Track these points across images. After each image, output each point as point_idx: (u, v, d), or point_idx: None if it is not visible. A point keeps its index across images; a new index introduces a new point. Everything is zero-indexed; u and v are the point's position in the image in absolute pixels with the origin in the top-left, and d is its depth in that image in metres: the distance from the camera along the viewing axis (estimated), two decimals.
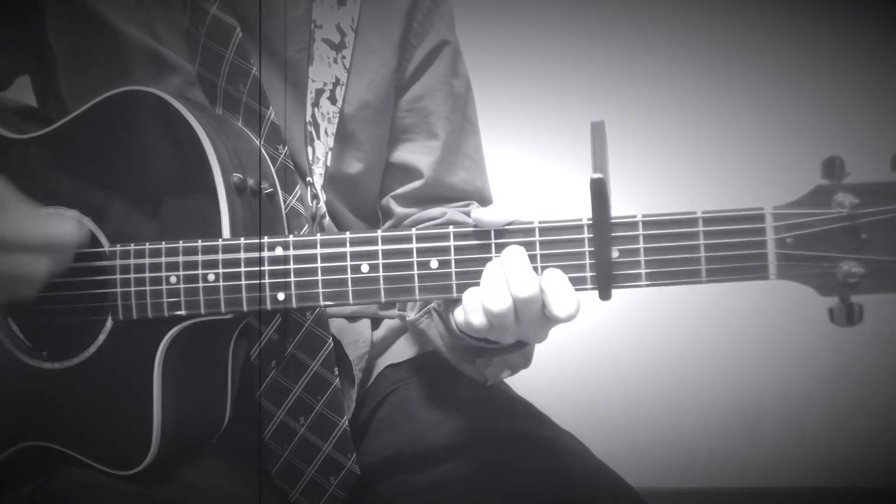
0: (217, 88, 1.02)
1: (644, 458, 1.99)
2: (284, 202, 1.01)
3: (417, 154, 1.15)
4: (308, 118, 1.06)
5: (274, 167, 1.01)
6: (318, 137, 1.07)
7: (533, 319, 0.79)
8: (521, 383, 1.08)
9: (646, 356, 2.00)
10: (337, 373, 1.02)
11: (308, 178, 1.06)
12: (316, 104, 1.07)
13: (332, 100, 1.08)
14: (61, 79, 1.07)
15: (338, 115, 1.08)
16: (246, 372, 1.02)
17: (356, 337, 1.11)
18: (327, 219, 1.09)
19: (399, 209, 1.16)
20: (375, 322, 1.16)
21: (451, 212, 1.12)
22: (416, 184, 1.15)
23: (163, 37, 1.03)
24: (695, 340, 2.00)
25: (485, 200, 1.20)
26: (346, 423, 1.02)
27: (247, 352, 1.02)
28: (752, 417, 2.02)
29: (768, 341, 1.99)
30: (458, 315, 0.83)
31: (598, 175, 0.73)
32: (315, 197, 1.06)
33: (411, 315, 1.03)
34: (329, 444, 1.01)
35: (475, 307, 0.79)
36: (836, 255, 0.72)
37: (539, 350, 0.92)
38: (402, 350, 1.16)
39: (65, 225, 0.89)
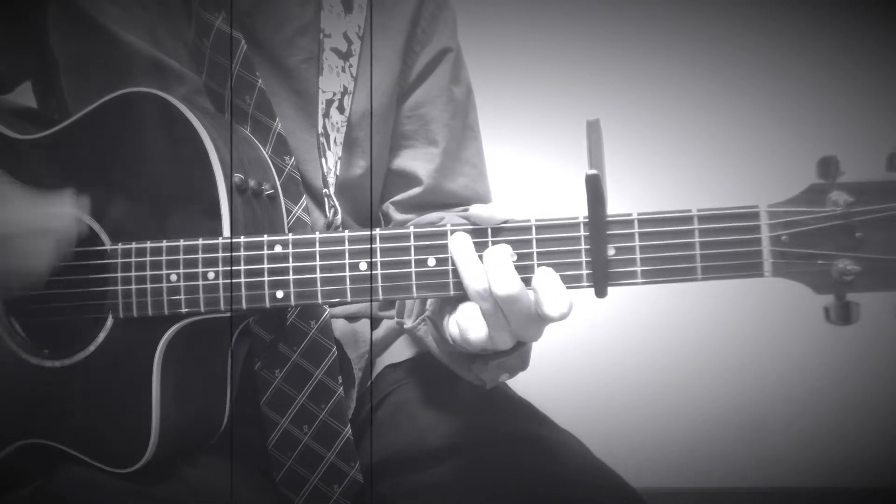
0: (224, 100, 1.03)
1: (644, 458, 1.99)
2: (289, 212, 1.01)
3: (417, 161, 1.15)
4: (320, 129, 1.07)
5: (280, 178, 1.01)
6: (329, 148, 1.07)
7: (521, 319, 0.78)
8: (520, 383, 1.08)
9: (646, 356, 2.00)
10: (341, 381, 1.03)
11: (325, 190, 1.07)
12: (326, 115, 1.07)
13: (341, 109, 1.08)
14: (64, 83, 1.07)
15: (345, 123, 1.08)
16: (247, 374, 1.02)
17: (356, 337, 1.11)
18: (341, 228, 1.09)
19: (398, 215, 1.16)
20: (375, 322, 1.16)
21: (449, 216, 1.12)
22: (416, 191, 1.15)
23: (167, 47, 1.03)
24: (695, 340, 2.00)
25: None
26: (350, 432, 1.02)
27: (247, 354, 1.03)
28: (752, 417, 2.02)
29: (768, 341, 1.99)
30: (452, 327, 0.82)
31: (594, 171, 0.73)
32: (333, 207, 1.06)
33: (409, 322, 1.04)
34: (333, 452, 1.01)
35: (474, 318, 0.79)
36: (832, 252, 0.73)
37: (539, 350, 0.92)
38: (401, 350, 1.16)
39: (63, 212, 0.90)
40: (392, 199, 1.17)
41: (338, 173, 1.08)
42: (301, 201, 1.02)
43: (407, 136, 1.16)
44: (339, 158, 1.08)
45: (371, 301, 0.84)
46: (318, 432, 1.01)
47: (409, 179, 1.16)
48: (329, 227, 1.06)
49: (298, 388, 1.02)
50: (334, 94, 1.08)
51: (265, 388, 1.02)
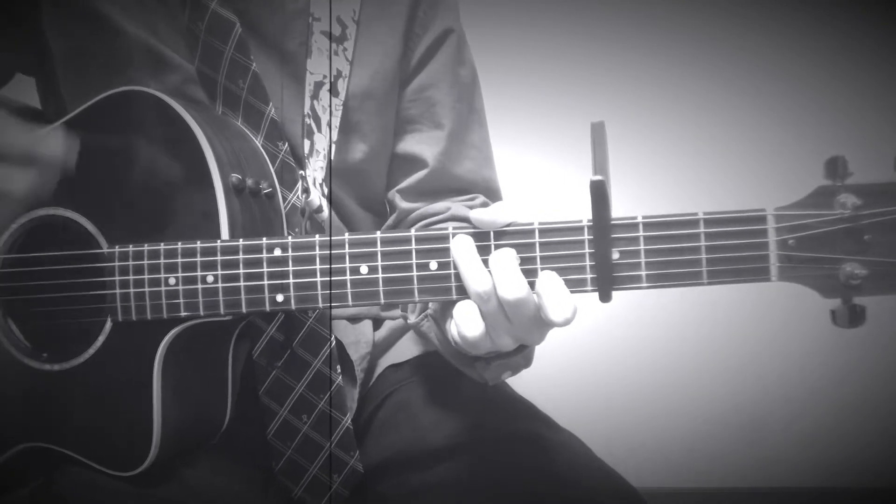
0: (217, 85, 1.02)
1: (644, 458, 1.99)
2: (284, 199, 1.01)
3: (423, 145, 1.14)
4: (307, 111, 1.06)
5: (274, 165, 1.00)
6: (319, 130, 1.06)
7: (525, 322, 0.78)
8: (522, 383, 1.08)
9: (647, 356, 2.00)
10: (339, 370, 1.02)
11: (301, 172, 1.05)
12: (315, 97, 1.06)
13: (335, 92, 1.07)
14: (60, 80, 1.06)
15: (341, 107, 1.08)
16: (248, 371, 1.02)
17: (358, 337, 1.10)
18: (324, 213, 1.08)
19: (403, 203, 1.15)
20: (377, 323, 1.16)
21: (455, 206, 1.12)
22: (421, 174, 1.14)
23: (162, 34, 1.03)
24: (696, 341, 1.99)
25: (491, 191, 1.19)
26: (349, 420, 1.02)
27: (248, 352, 1.02)
28: (752, 418, 2.02)
29: (769, 341, 1.99)
30: (453, 329, 0.82)
31: (598, 177, 0.72)
32: (306, 191, 1.05)
33: (412, 318, 1.03)
34: (332, 442, 1.01)
35: (468, 311, 0.78)
36: (839, 256, 0.72)
37: (540, 350, 0.91)
38: (403, 350, 1.16)
39: (49, 142, 0.87)
40: (398, 187, 1.16)
41: (332, 157, 1.07)
42: (295, 188, 1.02)
43: (412, 120, 1.15)
44: (335, 142, 1.07)
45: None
46: (317, 422, 1.01)
47: (415, 163, 1.14)
48: (303, 213, 1.05)
49: (297, 377, 1.02)
50: (324, 76, 1.07)
51: (263, 378, 1.02)
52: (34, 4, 1.05)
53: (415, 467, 1.02)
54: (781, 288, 0.76)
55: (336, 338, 1.05)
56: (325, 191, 1.07)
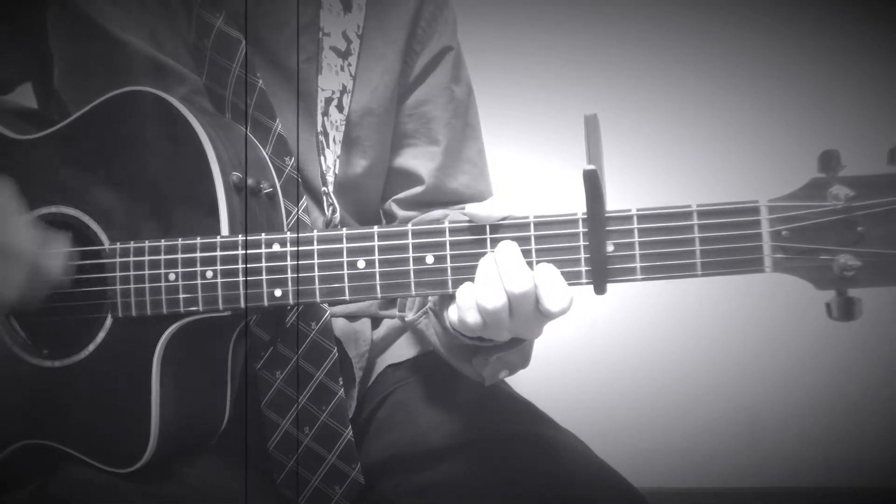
0: (224, 100, 1.03)
1: (645, 457, 1.99)
2: (289, 213, 1.01)
3: (419, 160, 1.16)
4: (319, 128, 1.07)
5: (280, 179, 1.01)
6: (328, 146, 1.07)
7: (527, 315, 0.78)
8: (522, 383, 1.08)
9: (647, 356, 2.00)
10: (342, 383, 1.03)
11: (324, 188, 1.07)
12: (325, 113, 1.07)
13: (340, 108, 1.08)
14: (62, 84, 1.07)
15: (344, 122, 1.09)
16: (249, 381, 1.02)
17: (356, 336, 1.11)
18: (339, 227, 1.09)
19: (401, 212, 1.17)
20: (375, 322, 1.17)
21: (453, 213, 1.13)
22: (417, 189, 1.15)
23: (168, 48, 1.04)
24: (695, 340, 1.99)
25: None
26: (350, 433, 1.02)
27: (247, 354, 1.03)
28: (752, 417, 2.01)
29: (769, 341, 1.98)
30: (452, 313, 0.82)
31: (591, 166, 0.73)
32: (332, 205, 1.06)
33: (410, 315, 1.04)
34: (334, 453, 1.02)
35: (469, 305, 0.79)
36: (832, 247, 0.72)
37: (540, 350, 0.92)
38: (402, 350, 1.16)
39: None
40: (394, 197, 1.17)
41: (336, 172, 1.08)
42: (301, 202, 1.02)
43: (408, 135, 1.16)
44: (338, 157, 1.08)
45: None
46: (318, 434, 1.02)
47: (411, 178, 1.16)
48: (328, 225, 1.07)
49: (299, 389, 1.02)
50: (333, 92, 1.08)
51: (266, 390, 1.02)
52: (39, 13, 1.06)
53: (415, 467, 1.02)
54: (782, 287, 0.77)
55: (336, 336, 1.06)
56: (332, 201, 1.08)
